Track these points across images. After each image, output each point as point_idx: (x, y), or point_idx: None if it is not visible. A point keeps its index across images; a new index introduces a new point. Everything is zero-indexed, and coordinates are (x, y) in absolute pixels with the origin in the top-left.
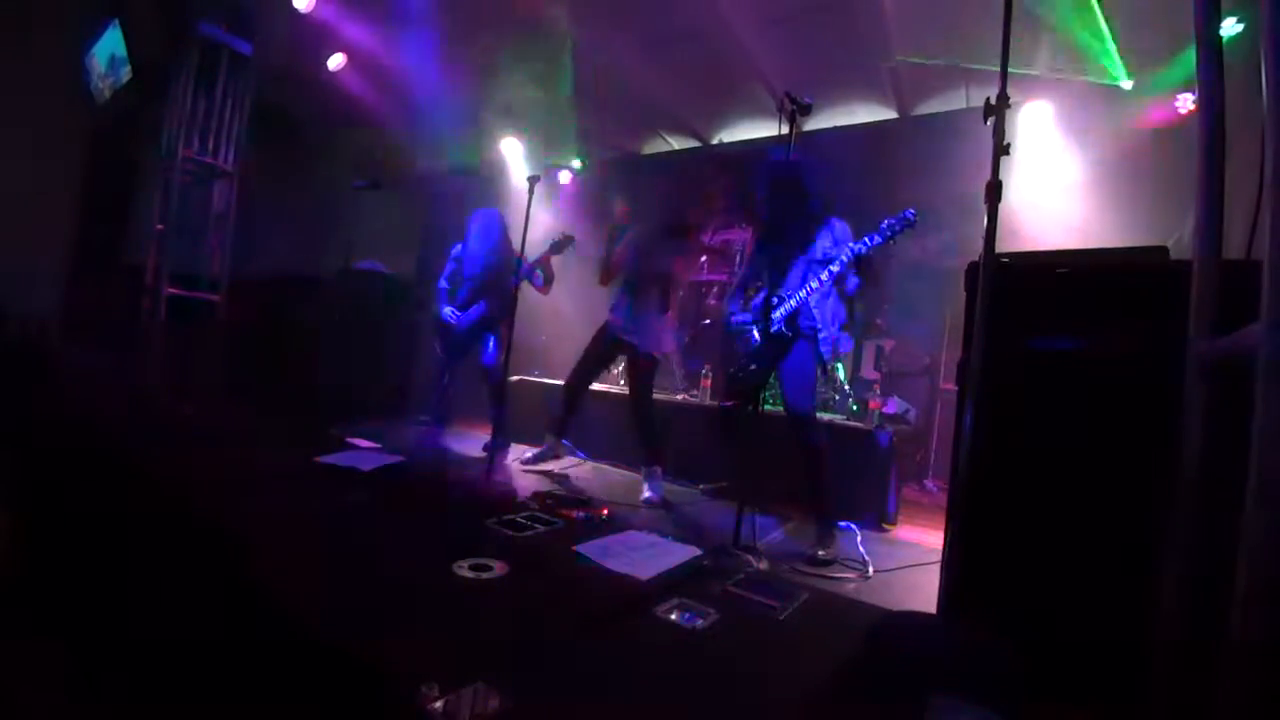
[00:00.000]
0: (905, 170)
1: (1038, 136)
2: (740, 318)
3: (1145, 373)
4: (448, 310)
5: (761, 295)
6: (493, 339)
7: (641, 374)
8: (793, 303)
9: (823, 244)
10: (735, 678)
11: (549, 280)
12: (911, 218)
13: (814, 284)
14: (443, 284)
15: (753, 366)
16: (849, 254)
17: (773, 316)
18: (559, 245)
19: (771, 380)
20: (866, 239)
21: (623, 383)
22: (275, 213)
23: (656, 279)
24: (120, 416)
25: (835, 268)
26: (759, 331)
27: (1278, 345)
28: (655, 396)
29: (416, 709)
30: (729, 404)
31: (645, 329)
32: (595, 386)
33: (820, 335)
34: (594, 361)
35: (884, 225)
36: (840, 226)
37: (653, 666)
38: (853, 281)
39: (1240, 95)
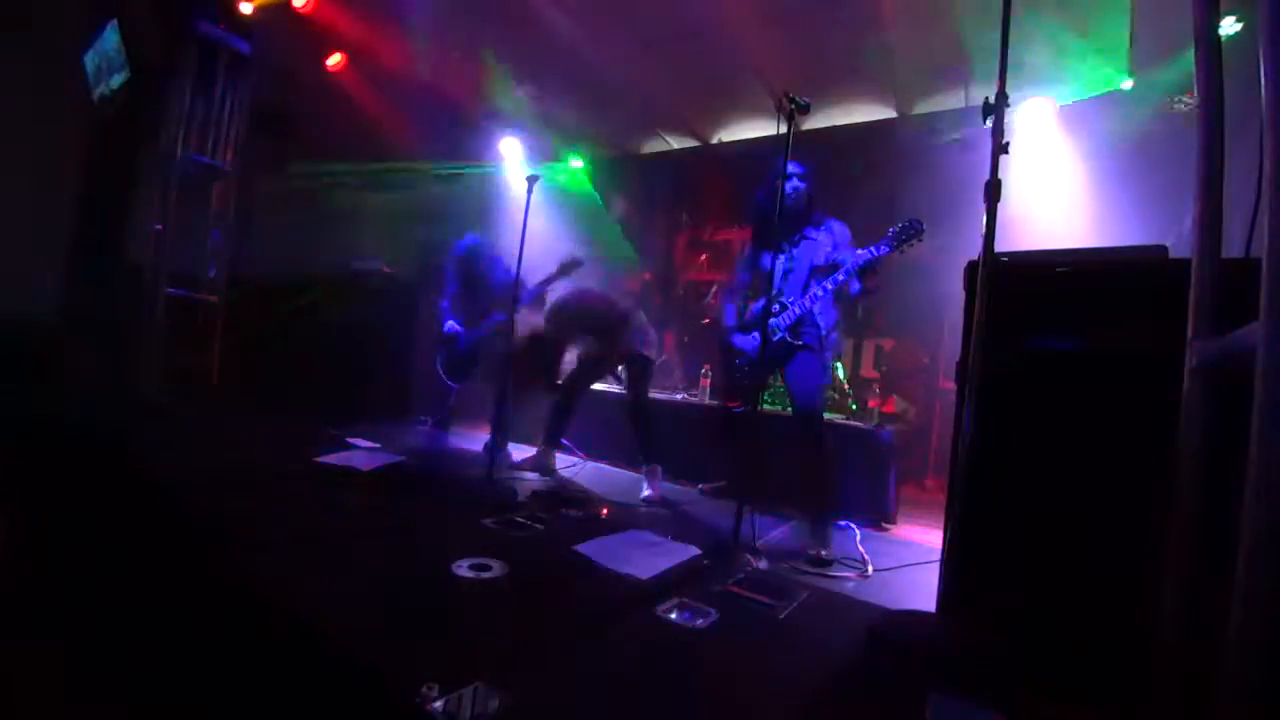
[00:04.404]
0: (904, 169)
1: (1037, 135)
2: (741, 341)
3: (1144, 371)
4: (451, 324)
5: (761, 302)
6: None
7: (638, 375)
8: (796, 310)
9: (823, 247)
10: (735, 677)
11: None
12: (920, 228)
13: (818, 292)
14: (444, 303)
15: (751, 369)
16: (855, 263)
17: (774, 324)
18: (567, 268)
19: (771, 380)
20: (873, 249)
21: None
22: (275, 213)
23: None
24: (119, 417)
25: (840, 276)
26: (760, 338)
27: (1276, 343)
28: (655, 396)
29: (416, 709)
30: (738, 407)
31: (632, 332)
32: (595, 386)
33: (825, 340)
34: (590, 368)
35: (891, 234)
36: (839, 228)
37: (653, 666)
38: (855, 286)
39: (1239, 94)
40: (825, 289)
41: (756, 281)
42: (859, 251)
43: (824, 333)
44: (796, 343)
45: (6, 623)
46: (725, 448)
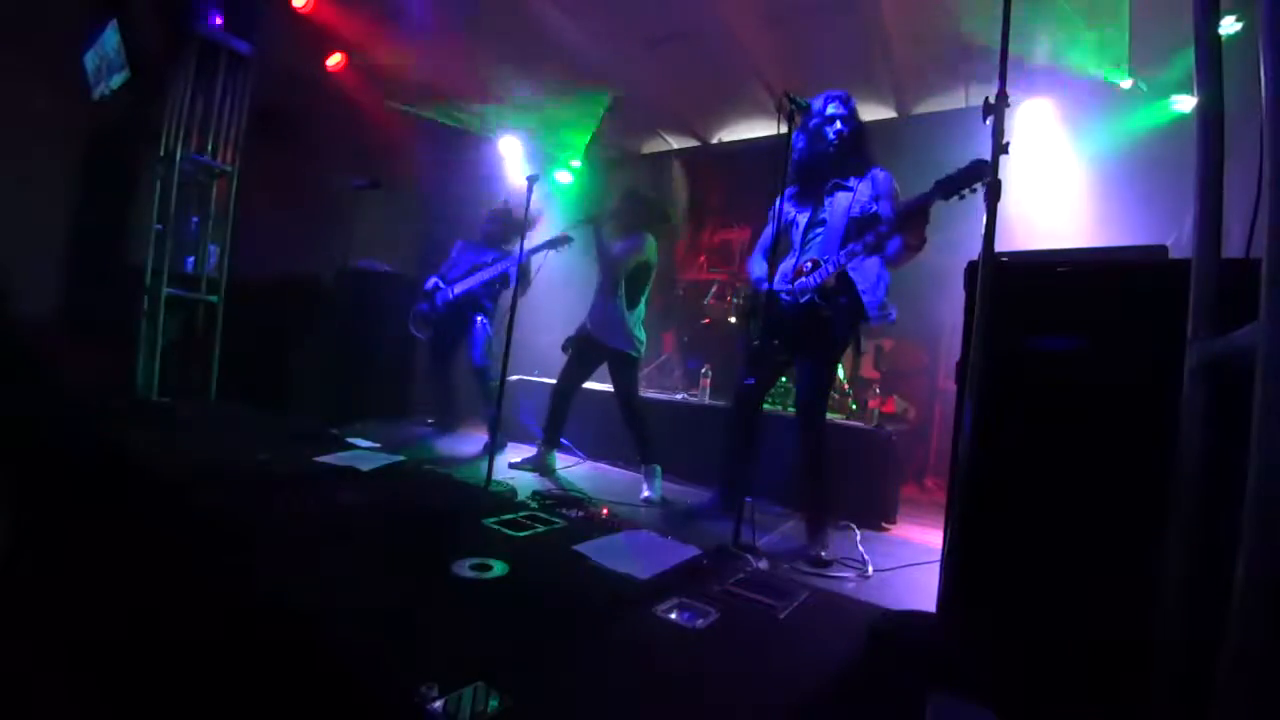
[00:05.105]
0: (904, 169)
1: (1037, 135)
2: (764, 279)
3: (1144, 372)
4: (433, 280)
5: (790, 259)
6: (480, 329)
7: (620, 372)
8: (829, 267)
9: (860, 197)
10: (735, 677)
11: (524, 277)
12: (982, 169)
13: (855, 249)
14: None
15: (776, 341)
16: (896, 211)
17: (803, 284)
18: (556, 242)
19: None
20: (919, 198)
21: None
22: (275, 213)
23: (616, 276)
24: (119, 417)
25: (883, 229)
26: (787, 302)
27: (1276, 344)
28: (655, 396)
29: (416, 709)
30: (750, 380)
31: (614, 327)
32: (596, 386)
33: (865, 298)
34: (576, 367)
35: (945, 180)
36: (883, 178)
37: (653, 666)
38: (895, 243)
39: (1239, 94)
40: (864, 243)
41: (783, 238)
42: (902, 201)
43: (863, 288)
44: (822, 304)
45: (6, 623)
46: (732, 433)
